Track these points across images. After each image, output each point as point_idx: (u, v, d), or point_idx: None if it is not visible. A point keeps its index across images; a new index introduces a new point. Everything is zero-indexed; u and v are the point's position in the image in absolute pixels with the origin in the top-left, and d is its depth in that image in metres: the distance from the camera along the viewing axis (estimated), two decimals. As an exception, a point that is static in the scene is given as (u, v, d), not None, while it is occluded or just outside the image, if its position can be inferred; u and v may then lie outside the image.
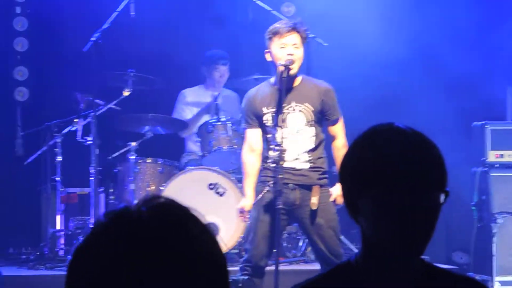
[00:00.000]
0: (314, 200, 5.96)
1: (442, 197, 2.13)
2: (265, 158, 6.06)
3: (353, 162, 2.19)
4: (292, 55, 5.90)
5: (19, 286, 7.42)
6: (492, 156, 7.99)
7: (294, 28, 5.95)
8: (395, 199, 2.08)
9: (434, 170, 2.12)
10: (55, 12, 9.00)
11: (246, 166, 6.18)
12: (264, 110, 6.03)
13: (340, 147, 6.06)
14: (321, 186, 6.03)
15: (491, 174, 7.94)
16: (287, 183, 5.94)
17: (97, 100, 7.79)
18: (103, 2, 8.32)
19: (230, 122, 7.96)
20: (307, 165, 6.00)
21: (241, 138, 7.84)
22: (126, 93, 8.00)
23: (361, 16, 8.72)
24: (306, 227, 6.06)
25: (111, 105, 8.06)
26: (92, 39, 7.56)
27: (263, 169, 6.09)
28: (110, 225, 1.41)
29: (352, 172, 2.18)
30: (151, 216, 1.41)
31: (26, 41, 9.26)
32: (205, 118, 8.31)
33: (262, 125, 6.07)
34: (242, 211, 6.16)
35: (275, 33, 5.96)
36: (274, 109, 5.99)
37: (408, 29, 8.76)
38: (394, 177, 2.09)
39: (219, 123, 7.97)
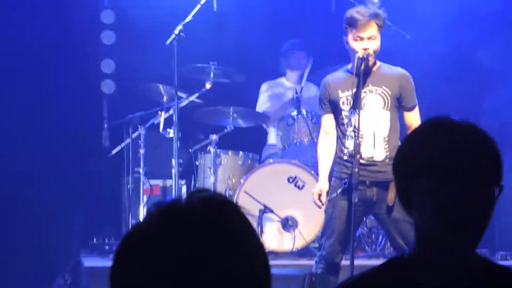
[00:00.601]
0: (391, 196, 5.87)
1: (497, 191, 2.11)
2: (340, 151, 6.03)
3: (408, 155, 2.17)
4: (367, 49, 5.90)
5: (102, 276, 7.51)
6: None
7: (370, 20, 5.91)
8: (450, 193, 2.07)
9: (490, 163, 2.11)
10: (141, 5, 9.11)
11: (320, 149, 6.21)
12: (340, 93, 6.03)
13: None
14: None
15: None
16: (364, 180, 5.88)
17: (179, 93, 7.84)
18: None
19: (310, 115, 7.92)
20: (382, 155, 5.92)
21: (322, 131, 7.81)
22: (208, 85, 8.04)
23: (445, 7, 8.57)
24: (384, 222, 5.99)
25: (193, 98, 8.11)
26: (174, 32, 7.60)
27: (338, 163, 6.05)
28: (160, 215, 1.44)
29: (407, 165, 2.17)
30: (200, 207, 1.44)
31: (113, 34, 9.38)
32: (287, 110, 8.28)
33: (337, 111, 6.06)
34: (318, 196, 6.11)
35: (351, 24, 5.96)
36: (350, 93, 5.98)
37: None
38: (450, 170, 2.07)
39: (300, 116, 7.94)
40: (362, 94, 5.95)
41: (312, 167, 7.86)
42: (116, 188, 8.81)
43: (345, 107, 6.02)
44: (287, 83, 8.80)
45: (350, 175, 5.84)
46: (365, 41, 5.91)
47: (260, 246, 1.46)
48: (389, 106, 5.97)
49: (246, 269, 1.41)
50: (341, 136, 6.04)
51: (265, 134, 8.82)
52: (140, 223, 1.45)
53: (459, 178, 2.06)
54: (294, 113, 8.00)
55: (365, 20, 5.90)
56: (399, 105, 6.03)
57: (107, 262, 7.62)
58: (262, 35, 8.88)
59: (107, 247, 8.43)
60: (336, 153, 6.10)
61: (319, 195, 6.11)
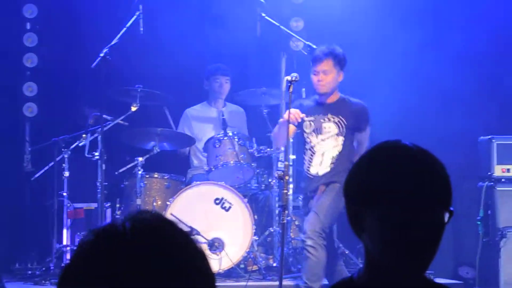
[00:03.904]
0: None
1: (447, 216, 2.12)
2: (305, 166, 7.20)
3: (359, 179, 2.17)
4: (321, 81, 6.99)
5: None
6: (498, 170, 7.97)
7: (323, 57, 6.99)
8: (398, 217, 2.06)
9: (439, 188, 2.11)
10: (64, 28, 9.07)
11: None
12: (305, 118, 7.07)
13: (360, 151, 6.83)
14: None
15: (497, 188, 7.91)
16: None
17: (104, 116, 7.82)
18: (112, 18, 8.37)
19: (237, 137, 7.99)
20: (325, 171, 7.03)
21: (248, 153, 7.89)
22: (133, 108, 8.04)
23: (369, 29, 8.76)
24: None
25: (118, 120, 8.09)
26: (100, 54, 7.59)
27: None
28: (95, 241, 1.43)
29: (357, 189, 2.17)
30: (134, 231, 1.42)
31: (35, 57, 9.30)
32: (212, 133, 8.33)
33: (302, 133, 7.16)
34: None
35: (311, 60, 7.12)
36: (312, 118, 7.09)
37: (411, 38, 8.76)
38: (399, 194, 2.07)
39: (226, 138, 7.99)
40: (321, 120, 7.07)
41: (238, 188, 7.92)
42: (40, 211, 8.70)
43: (307, 130, 7.11)
44: (210, 106, 8.87)
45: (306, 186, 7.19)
46: (320, 74, 6.98)
47: (203, 261, 1.46)
48: (343, 133, 7.03)
49: (189, 286, 1.41)
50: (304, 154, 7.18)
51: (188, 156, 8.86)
52: (76, 251, 1.44)
53: (408, 202, 2.06)
54: (221, 135, 8.05)
55: (318, 57, 7.01)
56: (354, 132, 7.07)
57: (30, 287, 7.55)
58: (187, 57, 8.92)
59: (29, 272, 8.30)
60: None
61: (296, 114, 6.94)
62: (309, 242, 6.72)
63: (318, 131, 7.08)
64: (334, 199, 6.83)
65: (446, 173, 2.13)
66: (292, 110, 6.75)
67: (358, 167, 2.19)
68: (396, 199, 2.07)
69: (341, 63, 7.02)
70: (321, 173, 7.05)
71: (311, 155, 7.09)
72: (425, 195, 2.07)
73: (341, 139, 7.03)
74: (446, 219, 2.12)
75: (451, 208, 2.12)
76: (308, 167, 7.10)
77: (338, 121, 7.03)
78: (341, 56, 7.02)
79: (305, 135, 7.12)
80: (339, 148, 7.03)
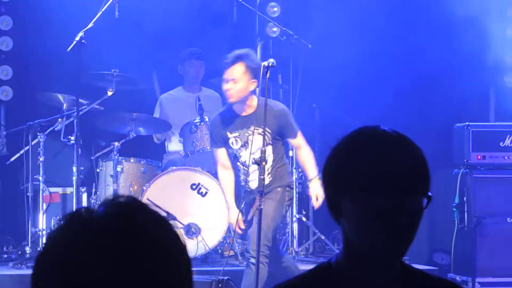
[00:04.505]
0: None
1: (425, 202, 2.12)
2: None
3: (336, 165, 2.16)
4: (228, 90, 6.51)
5: (1, 285, 7.40)
6: (474, 157, 8.01)
7: (233, 62, 6.48)
8: (377, 203, 2.06)
9: (418, 174, 2.10)
10: (40, 12, 8.99)
11: (222, 182, 6.96)
12: (228, 134, 6.67)
13: (306, 153, 6.70)
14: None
15: (473, 175, 7.95)
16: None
17: (80, 100, 7.78)
18: (88, 2, 8.31)
19: (213, 123, 7.98)
20: (266, 182, 6.38)
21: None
22: (109, 92, 8.01)
23: (346, 16, 8.76)
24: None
25: (94, 105, 8.05)
26: (76, 38, 7.54)
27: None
28: (67, 226, 1.44)
29: (334, 175, 2.16)
30: (104, 215, 1.43)
31: (10, 40, 9.23)
32: (188, 118, 8.31)
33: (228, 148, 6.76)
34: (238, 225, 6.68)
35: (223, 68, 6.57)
36: (237, 134, 6.64)
37: (387, 27, 8.77)
38: (378, 180, 2.07)
39: (203, 123, 7.98)
40: (246, 135, 6.61)
41: (214, 174, 7.91)
42: (15, 196, 8.67)
43: (235, 147, 6.68)
44: (185, 91, 8.85)
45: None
46: (229, 82, 6.50)
47: (176, 244, 1.46)
48: (270, 143, 6.54)
49: (160, 270, 1.41)
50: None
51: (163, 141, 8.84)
52: (48, 237, 1.46)
53: (386, 188, 2.06)
54: (197, 120, 8.04)
55: (227, 65, 6.51)
56: (281, 138, 6.65)
57: (7, 270, 7.56)
58: (162, 41, 8.89)
59: (5, 256, 8.28)
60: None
61: (238, 223, 6.64)
62: (253, 260, 6.37)
63: (246, 145, 6.63)
64: (276, 206, 6.59)
65: (425, 158, 2.13)
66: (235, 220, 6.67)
67: (336, 152, 2.17)
68: (376, 185, 2.07)
69: (255, 71, 6.44)
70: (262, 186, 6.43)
71: (246, 170, 6.65)
72: (403, 181, 2.07)
73: (269, 148, 6.52)
74: (424, 204, 2.12)
75: (429, 194, 2.12)
76: (247, 183, 6.69)
77: (262, 132, 6.39)
78: (254, 63, 6.51)
79: (234, 151, 6.72)
80: (271, 157, 6.55)
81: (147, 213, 1.46)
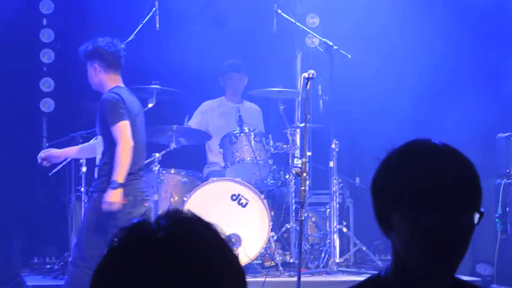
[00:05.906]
0: None
1: (477, 217, 2.07)
2: None
3: (386, 178, 2.13)
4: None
5: (44, 295, 7.48)
6: (516, 168, 7.95)
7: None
8: (429, 219, 2.03)
9: (470, 189, 2.05)
10: (81, 24, 9.09)
11: None
12: None
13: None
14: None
15: (516, 186, 7.90)
16: None
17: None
18: (128, 14, 8.39)
19: (253, 134, 8.01)
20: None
21: (264, 149, 7.91)
22: (150, 104, 8.04)
23: (384, 27, 8.74)
24: None
25: (135, 116, 8.09)
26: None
27: None
28: (127, 241, 1.43)
29: (385, 189, 2.12)
30: (169, 231, 1.42)
31: (52, 52, 9.34)
32: (228, 129, 8.33)
33: None
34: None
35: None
36: None
37: (433, 40, 8.75)
38: (429, 196, 2.03)
39: (242, 134, 8.00)
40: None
41: (254, 185, 7.93)
42: (59, 207, 8.74)
43: None
44: (227, 102, 8.88)
45: None
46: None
47: (236, 261, 1.46)
48: (99, 131, 6.47)
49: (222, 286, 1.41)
50: None
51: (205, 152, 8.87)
52: (108, 251, 1.44)
53: (438, 204, 2.02)
54: (237, 131, 8.06)
55: None
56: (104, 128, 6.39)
57: (49, 281, 7.62)
58: (204, 54, 8.92)
59: (48, 266, 8.36)
60: None
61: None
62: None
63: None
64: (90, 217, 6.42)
65: (477, 173, 2.08)
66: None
67: (386, 166, 2.14)
68: (426, 200, 2.03)
69: (89, 56, 6.61)
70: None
71: None
72: (456, 197, 2.03)
73: (100, 138, 6.50)
74: (476, 220, 2.07)
75: (482, 209, 2.07)
76: None
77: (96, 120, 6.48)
78: (84, 51, 6.65)
79: None
80: (101, 149, 6.47)
81: (212, 235, 1.46)
